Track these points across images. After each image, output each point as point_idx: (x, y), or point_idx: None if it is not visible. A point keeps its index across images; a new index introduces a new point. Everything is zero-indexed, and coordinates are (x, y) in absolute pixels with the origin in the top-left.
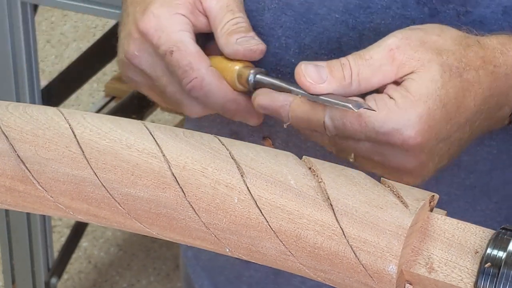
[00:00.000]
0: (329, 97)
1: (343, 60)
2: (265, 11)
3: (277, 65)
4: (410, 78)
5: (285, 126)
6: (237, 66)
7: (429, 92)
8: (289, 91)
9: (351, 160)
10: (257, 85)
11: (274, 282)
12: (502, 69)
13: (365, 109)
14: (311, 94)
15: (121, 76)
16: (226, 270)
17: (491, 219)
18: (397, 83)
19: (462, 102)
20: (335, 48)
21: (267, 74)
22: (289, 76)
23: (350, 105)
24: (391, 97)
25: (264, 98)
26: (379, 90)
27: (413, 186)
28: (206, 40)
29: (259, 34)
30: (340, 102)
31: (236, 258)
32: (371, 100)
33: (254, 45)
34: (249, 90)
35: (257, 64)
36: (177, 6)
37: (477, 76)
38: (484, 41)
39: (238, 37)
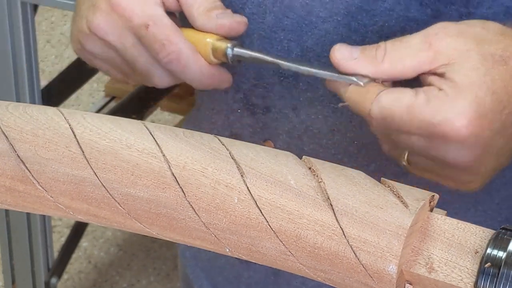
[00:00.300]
0: (329, 71)
1: (380, 43)
2: (266, 14)
3: (279, 68)
4: (451, 69)
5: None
6: (210, 39)
7: (473, 80)
8: (274, 64)
9: (404, 163)
10: (236, 58)
11: (274, 283)
12: None
13: (414, 100)
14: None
15: None
16: (226, 270)
17: (492, 219)
18: (440, 75)
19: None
20: None
21: (242, 46)
22: (291, 79)
23: (354, 79)
24: (440, 89)
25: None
26: (421, 82)
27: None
28: None
29: (261, 37)
30: (343, 76)
31: (236, 258)
32: (420, 92)
33: (238, 17)
34: (226, 63)
35: (259, 68)
36: None
37: None
38: None
39: (218, 13)
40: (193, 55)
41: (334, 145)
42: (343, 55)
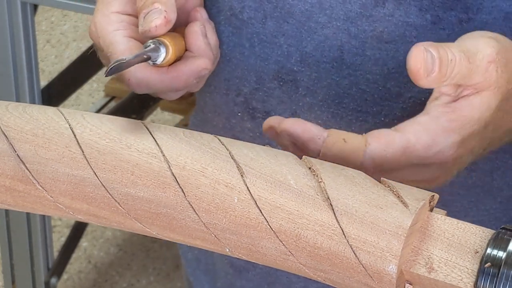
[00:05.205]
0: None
1: (451, 55)
2: (267, 19)
3: (278, 73)
4: (469, 98)
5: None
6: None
7: (481, 117)
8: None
9: None
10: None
11: None
12: None
13: (405, 141)
14: None
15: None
16: (221, 278)
17: (496, 219)
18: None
19: (500, 125)
20: (337, 56)
21: (156, 42)
22: (290, 84)
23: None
24: (438, 117)
25: (294, 126)
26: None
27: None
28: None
29: (262, 41)
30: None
31: (230, 267)
32: (408, 130)
33: (147, 22)
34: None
35: (260, 72)
36: (110, 4)
37: None
38: None
39: (144, 12)
40: (148, 73)
41: None
42: (427, 68)
